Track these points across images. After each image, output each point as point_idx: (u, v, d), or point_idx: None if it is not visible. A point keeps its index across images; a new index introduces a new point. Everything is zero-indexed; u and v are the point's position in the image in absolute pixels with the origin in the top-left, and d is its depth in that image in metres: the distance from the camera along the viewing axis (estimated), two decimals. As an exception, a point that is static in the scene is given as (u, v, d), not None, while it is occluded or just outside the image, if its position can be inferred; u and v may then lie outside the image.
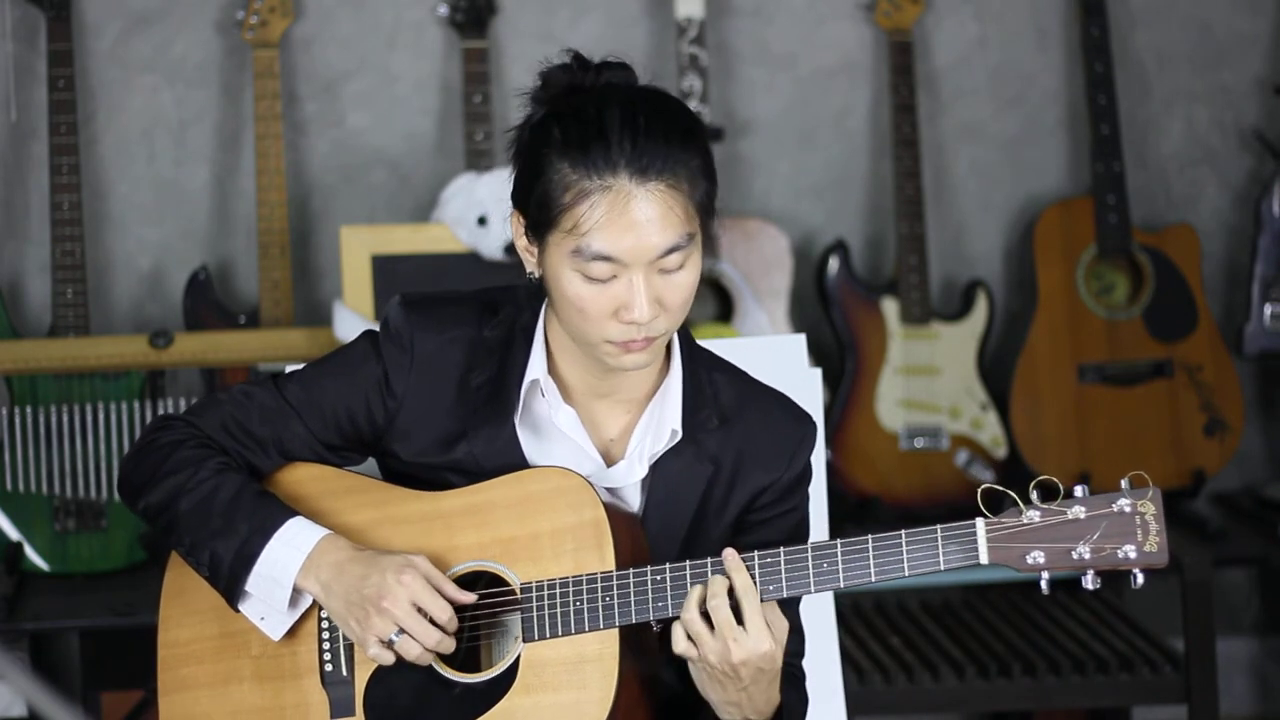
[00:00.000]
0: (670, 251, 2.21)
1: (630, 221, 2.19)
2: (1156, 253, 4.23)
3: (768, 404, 2.39)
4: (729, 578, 2.22)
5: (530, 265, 2.31)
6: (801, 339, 2.83)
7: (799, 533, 2.41)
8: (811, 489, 2.47)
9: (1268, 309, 4.21)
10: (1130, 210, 4.24)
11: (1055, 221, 4.23)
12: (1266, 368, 4.43)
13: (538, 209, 2.23)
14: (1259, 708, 4.47)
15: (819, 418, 2.74)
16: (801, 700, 2.41)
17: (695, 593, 2.22)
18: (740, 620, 2.20)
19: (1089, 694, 3.73)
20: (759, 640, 2.20)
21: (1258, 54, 4.42)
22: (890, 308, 4.18)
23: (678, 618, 2.25)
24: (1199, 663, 3.68)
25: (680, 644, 2.22)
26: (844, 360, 4.18)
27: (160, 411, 3.84)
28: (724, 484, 2.36)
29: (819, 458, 2.73)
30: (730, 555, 2.22)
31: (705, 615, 2.22)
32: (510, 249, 3.81)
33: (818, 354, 4.12)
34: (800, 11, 4.30)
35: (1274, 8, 4.42)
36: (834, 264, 4.19)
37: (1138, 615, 4.00)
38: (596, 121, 2.21)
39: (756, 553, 2.23)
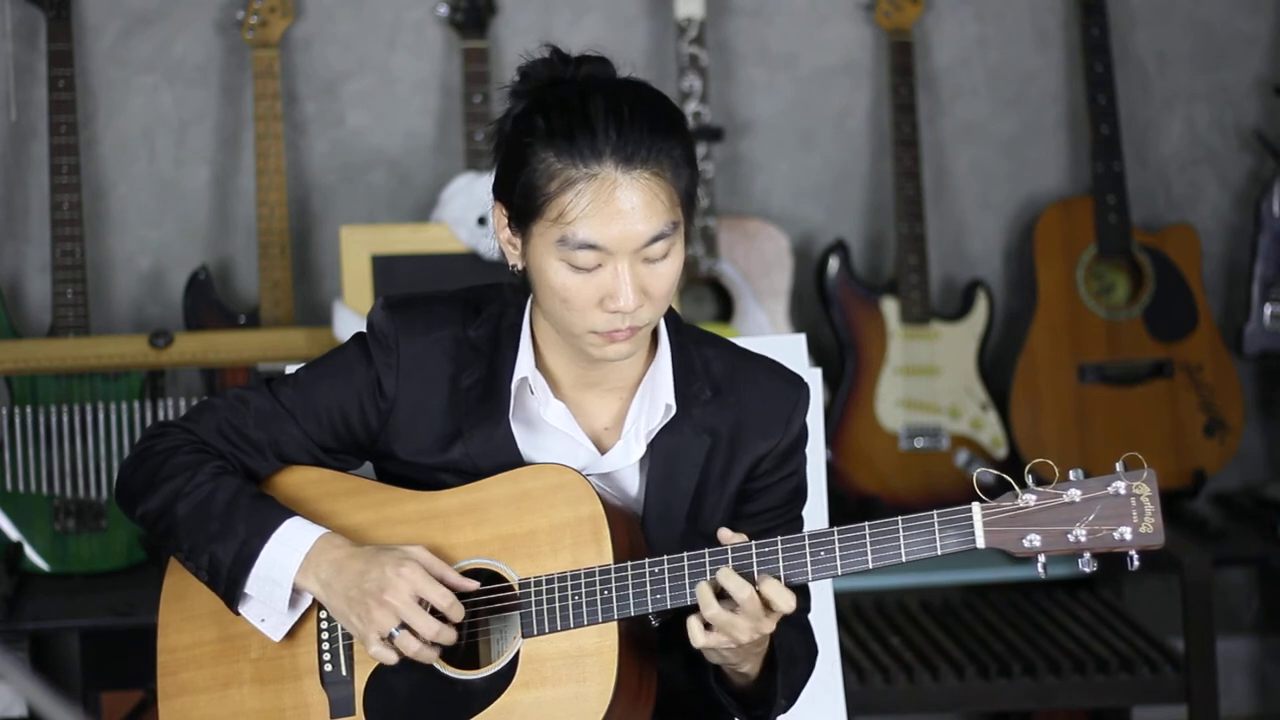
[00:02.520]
0: (655, 239, 2.22)
1: (616, 209, 2.20)
2: (1156, 253, 4.23)
3: (759, 371, 2.40)
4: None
5: (513, 258, 2.32)
6: (801, 339, 2.84)
7: (798, 494, 2.43)
8: (811, 489, 2.48)
9: (1268, 309, 4.21)
10: (1130, 210, 4.24)
11: (1055, 221, 4.23)
12: (1266, 368, 4.44)
13: (522, 199, 2.24)
14: (1259, 708, 4.47)
15: (819, 418, 2.75)
16: (810, 651, 2.42)
17: (706, 592, 2.21)
18: (766, 603, 2.21)
19: (1089, 694, 3.73)
20: (783, 604, 2.21)
21: (1258, 54, 4.42)
22: (890, 308, 4.18)
23: (677, 610, 2.26)
24: (1199, 663, 3.68)
25: (700, 638, 2.22)
26: (844, 360, 4.18)
27: (160, 412, 3.84)
28: (723, 455, 2.36)
29: (819, 457, 2.73)
30: (727, 536, 2.24)
31: (720, 599, 2.21)
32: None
33: (818, 354, 4.12)
34: (800, 11, 4.30)
35: (1274, 8, 4.42)
36: (834, 264, 4.19)
37: (1138, 615, 4.00)
38: (581, 111, 2.22)
39: (754, 543, 2.23)
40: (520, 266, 2.31)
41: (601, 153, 2.20)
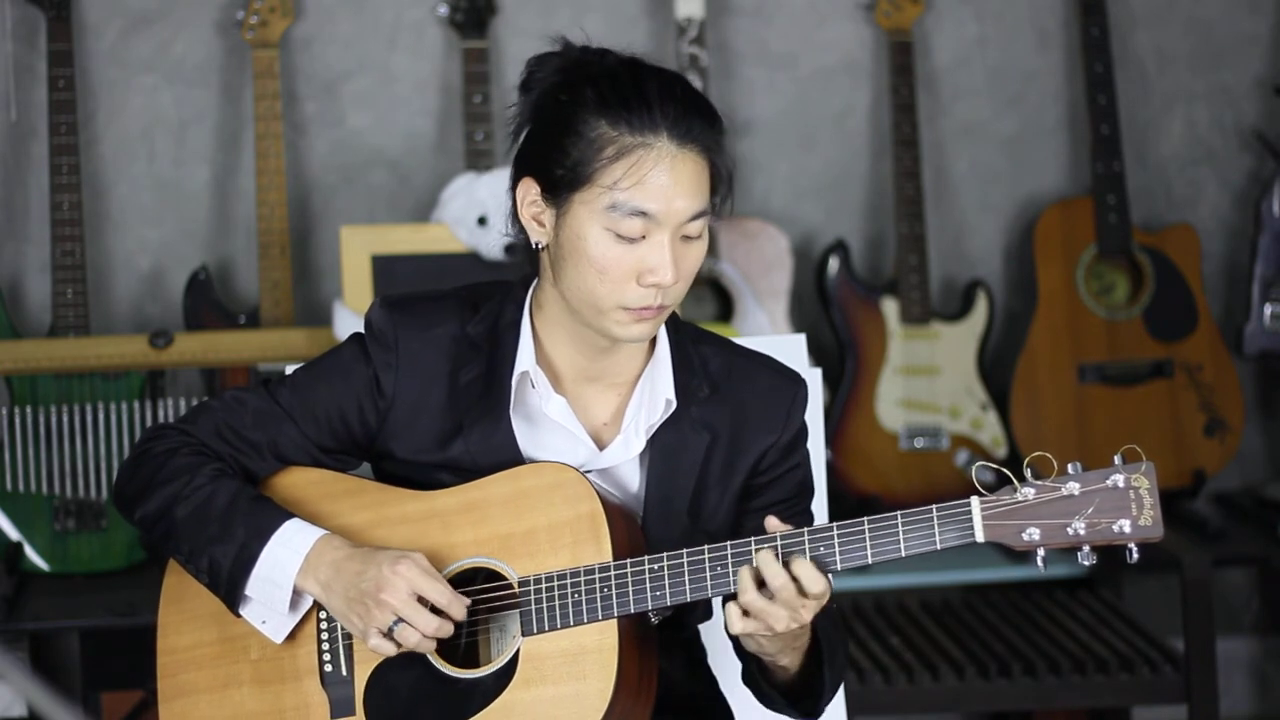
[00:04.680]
0: (697, 216, 2.26)
1: (670, 180, 2.23)
2: (1156, 253, 4.23)
3: (756, 368, 2.42)
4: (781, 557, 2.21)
5: (537, 234, 2.32)
6: (801, 339, 2.84)
7: (805, 487, 2.44)
8: (814, 484, 2.48)
9: (1268, 309, 4.21)
10: (1130, 210, 4.24)
11: (1055, 221, 4.23)
12: (1266, 368, 4.43)
13: (571, 166, 2.25)
14: (1259, 708, 4.47)
15: (819, 418, 2.75)
16: (844, 638, 2.42)
17: (746, 575, 2.20)
18: (801, 588, 2.20)
19: (1089, 694, 3.73)
20: (822, 595, 2.21)
21: (1258, 54, 4.42)
22: (890, 308, 4.18)
23: (676, 607, 2.26)
24: (1199, 663, 3.68)
25: (737, 624, 2.21)
26: (844, 360, 4.18)
27: (160, 411, 3.84)
28: (723, 453, 2.37)
29: (819, 457, 2.74)
30: (773, 524, 2.23)
31: (759, 586, 2.21)
32: (511, 249, 3.82)
33: (818, 354, 4.12)
34: (800, 11, 4.30)
35: (1274, 8, 4.42)
36: (834, 264, 4.19)
37: (1138, 615, 4.00)
38: (634, 85, 2.25)
39: (753, 539, 2.23)
40: (543, 243, 2.31)
41: (659, 126, 2.23)
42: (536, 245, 2.32)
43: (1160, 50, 4.40)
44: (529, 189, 2.31)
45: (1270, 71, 4.42)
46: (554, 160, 2.27)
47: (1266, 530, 4.17)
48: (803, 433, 2.42)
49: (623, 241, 2.24)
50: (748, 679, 2.39)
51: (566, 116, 2.26)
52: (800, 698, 2.36)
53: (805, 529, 2.23)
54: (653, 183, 2.23)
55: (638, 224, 2.24)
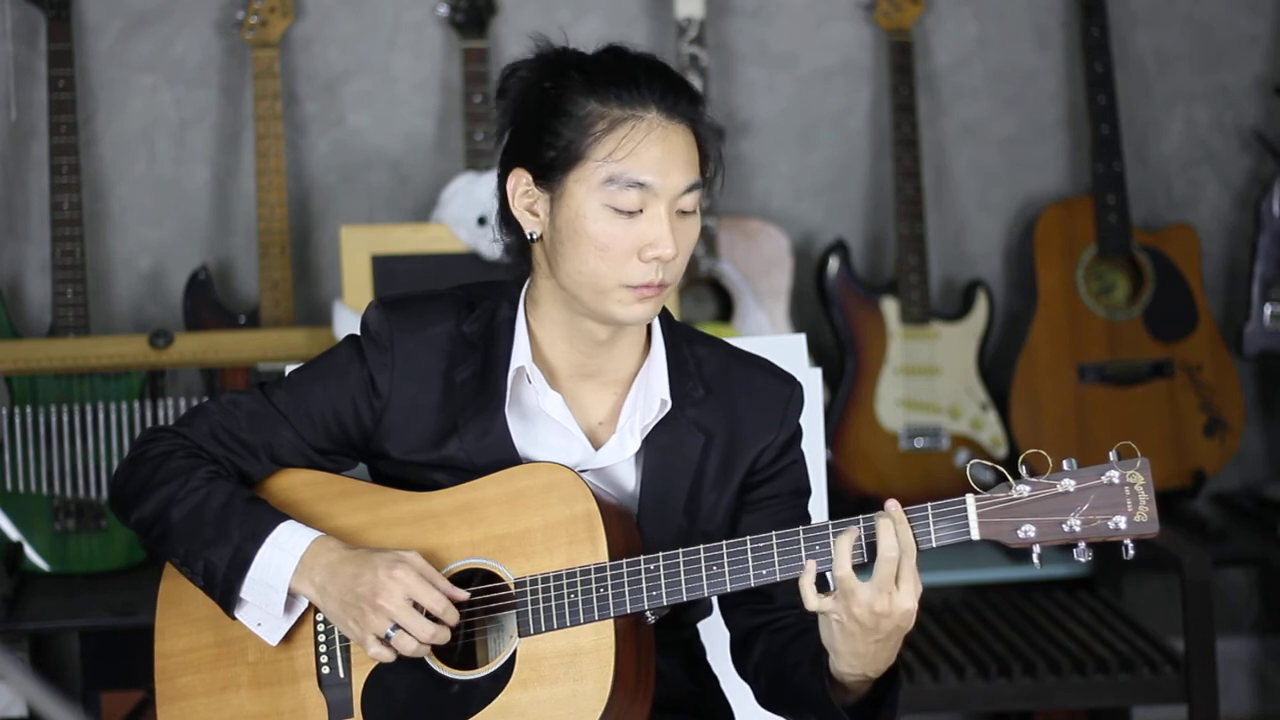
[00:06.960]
0: (691, 188, 2.28)
1: (664, 150, 2.25)
2: (1156, 253, 4.24)
3: (751, 370, 2.42)
4: (895, 532, 2.18)
5: (532, 225, 2.32)
6: (801, 339, 2.84)
7: (801, 485, 2.44)
8: (811, 489, 2.48)
9: (1268, 309, 4.21)
10: (1130, 210, 4.24)
11: (1055, 221, 4.23)
12: (1266, 368, 4.43)
13: (563, 147, 2.26)
14: (1259, 708, 4.47)
15: (819, 418, 2.75)
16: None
17: (845, 547, 2.18)
18: (895, 577, 2.17)
19: (1089, 694, 3.73)
20: (906, 597, 2.18)
21: (1258, 54, 4.42)
22: (890, 308, 4.18)
23: (673, 607, 2.27)
24: (1199, 663, 3.68)
25: (813, 601, 2.18)
26: (844, 360, 4.18)
27: (160, 411, 3.84)
28: (719, 454, 2.37)
29: (819, 456, 2.74)
30: (894, 506, 2.20)
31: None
32: (509, 248, 3.82)
33: (818, 354, 4.13)
34: (800, 11, 4.30)
35: (1274, 8, 4.42)
36: (834, 264, 4.19)
37: (1138, 615, 4.00)
38: (620, 64, 2.29)
39: (748, 538, 2.23)
40: (538, 234, 2.32)
41: (647, 100, 2.26)
42: (531, 236, 2.33)
43: (1160, 50, 4.40)
44: (520, 179, 2.32)
45: (1270, 71, 4.42)
46: (544, 144, 2.28)
47: (1266, 530, 4.17)
48: (798, 434, 2.43)
49: (621, 217, 2.25)
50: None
51: (554, 101, 2.28)
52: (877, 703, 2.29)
53: (801, 528, 2.23)
54: (646, 153, 2.24)
55: (635, 196, 2.25)
